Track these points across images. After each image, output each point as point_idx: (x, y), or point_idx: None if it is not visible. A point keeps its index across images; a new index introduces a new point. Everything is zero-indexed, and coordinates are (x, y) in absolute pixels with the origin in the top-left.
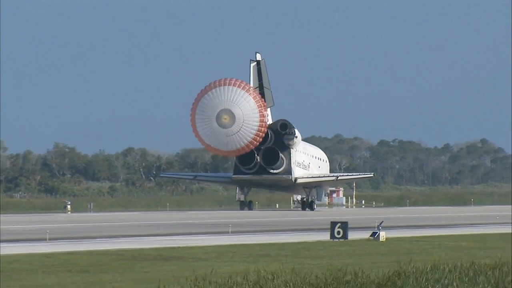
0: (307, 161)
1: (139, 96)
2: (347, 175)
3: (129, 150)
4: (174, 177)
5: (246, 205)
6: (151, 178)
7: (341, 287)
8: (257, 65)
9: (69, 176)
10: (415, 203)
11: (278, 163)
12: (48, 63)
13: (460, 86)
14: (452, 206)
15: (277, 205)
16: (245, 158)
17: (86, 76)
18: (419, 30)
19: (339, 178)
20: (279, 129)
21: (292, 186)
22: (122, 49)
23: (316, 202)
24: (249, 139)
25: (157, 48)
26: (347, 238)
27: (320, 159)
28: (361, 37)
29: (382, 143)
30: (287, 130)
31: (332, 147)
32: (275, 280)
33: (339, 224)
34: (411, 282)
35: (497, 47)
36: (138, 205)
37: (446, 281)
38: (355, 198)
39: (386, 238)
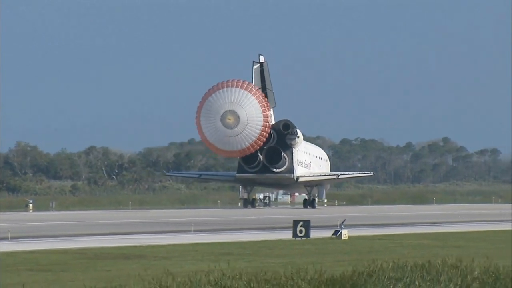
0: (308, 160)
1: (104, 95)
2: (348, 174)
3: (91, 149)
4: (181, 176)
5: (250, 203)
6: (113, 176)
7: (303, 286)
8: (260, 67)
9: (31, 174)
10: (377, 202)
11: (281, 162)
12: (9, 61)
13: (421, 85)
14: (414, 205)
15: (239, 203)
16: (248, 157)
17: (49, 75)
18: (385, 30)
19: (340, 177)
20: (281, 129)
21: (294, 184)
22: (112, 49)
23: (283, 200)
24: (253, 139)
25: (156, 49)
26: (309, 237)
27: (321, 158)
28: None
29: (344, 141)
30: (290, 130)
31: None
32: (237, 280)
33: (301, 223)
34: (373, 281)
35: (457, 47)
36: (100, 203)
37: (408, 280)
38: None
39: (348, 237)
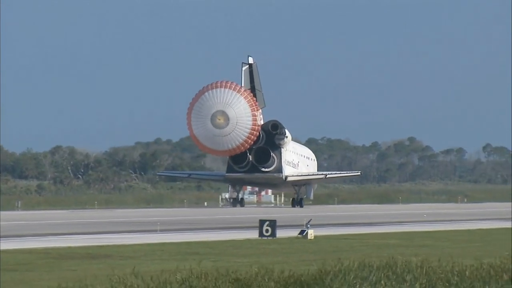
0: (296, 160)
1: (70, 95)
2: (335, 174)
3: (57, 148)
4: (170, 175)
5: (238, 202)
6: (79, 176)
7: (270, 285)
8: (249, 68)
9: None
10: (343, 201)
11: (270, 162)
12: None
13: (387, 84)
14: (380, 204)
15: (205, 203)
16: (238, 157)
17: (14, 73)
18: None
19: (327, 176)
20: (270, 129)
21: (283, 183)
22: (80, 47)
23: (249, 199)
24: (242, 139)
25: (144, 51)
26: (275, 236)
27: (308, 158)
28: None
29: (310, 141)
30: (278, 131)
31: None
32: (204, 279)
33: (267, 222)
34: (339, 280)
35: (422, 47)
36: (66, 203)
37: (374, 279)
38: (283, 196)
39: (314, 236)
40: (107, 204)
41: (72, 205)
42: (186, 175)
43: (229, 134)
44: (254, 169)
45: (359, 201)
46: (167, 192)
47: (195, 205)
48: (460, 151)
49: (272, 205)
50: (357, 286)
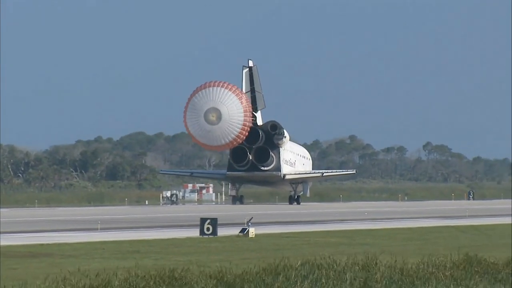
0: (293, 159)
1: (11, 92)
2: (331, 172)
3: None
4: (172, 174)
5: (238, 199)
6: (20, 174)
7: (210, 283)
8: (249, 71)
9: None
10: (284, 199)
11: (269, 160)
12: None
13: (328, 82)
14: (321, 202)
15: (146, 201)
16: (238, 156)
17: None
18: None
19: (324, 174)
20: (269, 129)
21: (281, 182)
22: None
23: (191, 197)
24: (234, 135)
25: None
26: (216, 235)
27: (304, 157)
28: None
29: None
30: (277, 131)
31: None
32: (144, 278)
33: (208, 221)
34: (280, 278)
35: (358, 46)
36: (7, 201)
37: (314, 277)
38: (224, 194)
39: (255, 234)
40: (48, 202)
41: (12, 203)
42: (189, 174)
43: (221, 130)
44: (254, 167)
45: (268, 199)
46: (108, 190)
47: (136, 203)
48: (401, 149)
49: (214, 203)
50: (298, 284)
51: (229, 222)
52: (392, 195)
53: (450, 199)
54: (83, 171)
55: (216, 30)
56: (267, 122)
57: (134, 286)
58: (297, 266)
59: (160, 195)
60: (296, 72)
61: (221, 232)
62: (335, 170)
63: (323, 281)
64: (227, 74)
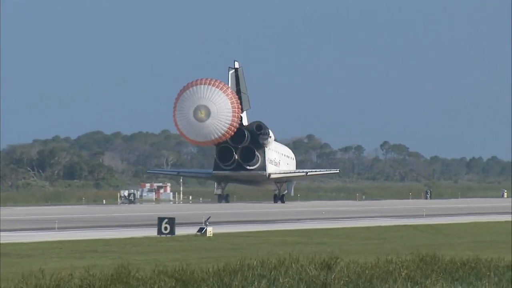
0: (278, 158)
1: None
2: (315, 171)
3: None
4: (160, 173)
5: (224, 198)
6: None
7: (167, 283)
8: (235, 72)
9: None
10: (242, 199)
11: (254, 160)
12: None
13: (286, 82)
14: (248, 203)
15: (104, 201)
16: (224, 156)
17: None
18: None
19: (308, 174)
20: (254, 129)
21: (266, 181)
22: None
23: (148, 197)
24: (222, 132)
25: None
26: (174, 234)
27: (289, 156)
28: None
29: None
30: (262, 131)
31: (160, 142)
32: (101, 278)
33: (166, 220)
34: (238, 277)
35: (315, 45)
36: None
37: (272, 277)
38: (182, 193)
39: (213, 234)
40: (5, 202)
41: None
42: (175, 173)
43: (210, 126)
44: (240, 167)
45: (257, 198)
46: (65, 190)
47: (93, 203)
48: (358, 148)
49: (171, 202)
50: (256, 283)
51: (187, 222)
52: (349, 194)
53: (407, 198)
54: (40, 171)
55: (201, 30)
56: (253, 123)
57: (91, 286)
58: (254, 265)
59: (117, 195)
60: (251, 71)
61: (179, 231)
62: (319, 170)
63: (281, 280)
64: (212, 75)
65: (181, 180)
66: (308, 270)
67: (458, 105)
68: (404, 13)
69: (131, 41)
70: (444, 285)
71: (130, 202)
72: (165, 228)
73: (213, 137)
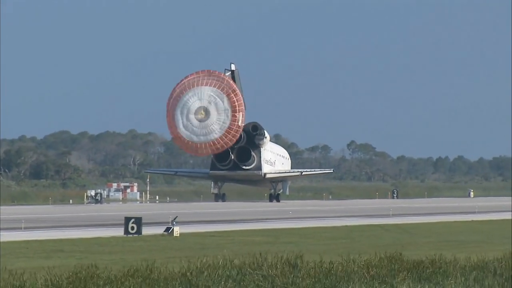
0: (273, 158)
1: None
2: (310, 171)
3: None
4: (158, 173)
5: (220, 197)
6: None
7: (134, 282)
8: (231, 74)
9: None
10: (209, 198)
11: (250, 160)
12: None
13: (252, 81)
14: (245, 201)
15: (70, 200)
16: (221, 156)
17: None
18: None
19: (303, 173)
20: (250, 130)
21: (262, 180)
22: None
23: (115, 196)
24: (222, 133)
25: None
26: (141, 234)
27: (284, 157)
28: None
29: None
30: (258, 131)
31: (126, 142)
32: (68, 278)
33: (133, 220)
34: (204, 277)
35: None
36: None
37: (239, 276)
38: (149, 193)
39: (180, 233)
40: None
41: None
42: (173, 173)
43: (209, 127)
44: (236, 167)
45: (251, 197)
46: (32, 189)
47: (60, 202)
48: (325, 148)
49: (138, 202)
50: (222, 283)
51: (154, 221)
52: (316, 194)
53: (374, 198)
54: (6, 170)
55: (196, 31)
56: (249, 123)
57: (57, 286)
58: (221, 264)
59: (84, 194)
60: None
61: (146, 231)
62: (313, 169)
63: (247, 280)
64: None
65: (147, 180)
66: (275, 270)
67: (425, 104)
68: (372, 11)
69: (104, 41)
70: (411, 284)
71: (97, 202)
72: (132, 228)
73: (209, 139)
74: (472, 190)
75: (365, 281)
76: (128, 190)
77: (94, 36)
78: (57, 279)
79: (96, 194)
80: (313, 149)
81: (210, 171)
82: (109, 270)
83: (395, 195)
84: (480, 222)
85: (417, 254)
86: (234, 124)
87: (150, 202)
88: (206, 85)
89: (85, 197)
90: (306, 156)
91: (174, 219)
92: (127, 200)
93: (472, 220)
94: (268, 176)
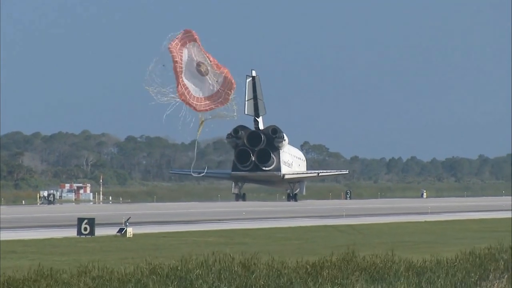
0: (290, 160)
1: None
2: (326, 172)
3: None
4: (182, 173)
5: (241, 196)
6: None
7: (89, 283)
8: (252, 80)
9: None
10: (162, 199)
11: (270, 161)
12: None
13: None
14: (199, 202)
15: (23, 201)
16: (242, 157)
17: None
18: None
19: (320, 174)
20: (270, 133)
21: (280, 181)
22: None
23: (68, 197)
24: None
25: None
26: (94, 235)
27: (300, 158)
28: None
29: (129, 139)
30: (277, 134)
31: (80, 143)
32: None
33: (86, 221)
34: (156, 278)
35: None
36: None
37: (193, 277)
38: (102, 194)
39: (133, 234)
40: None
41: None
42: (197, 173)
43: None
44: (256, 168)
45: (178, 199)
46: None
47: (12, 203)
48: None
49: (91, 203)
50: (176, 283)
51: (107, 222)
52: (270, 195)
53: (327, 198)
54: None
55: (223, 40)
56: (268, 127)
57: (10, 287)
58: (174, 266)
59: (37, 195)
60: None
61: (99, 232)
62: (329, 170)
63: (201, 281)
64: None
65: (101, 181)
66: (228, 271)
67: (377, 105)
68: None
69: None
70: (364, 285)
71: (50, 202)
72: (85, 229)
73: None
74: (425, 191)
75: (318, 281)
76: (81, 191)
77: (58, 36)
78: (11, 280)
79: (49, 195)
80: None
81: (232, 172)
82: (63, 271)
83: (348, 196)
84: (433, 222)
85: (370, 255)
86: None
87: (103, 203)
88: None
89: (38, 198)
90: None
91: (127, 219)
92: (80, 201)
93: (425, 221)
94: (286, 177)
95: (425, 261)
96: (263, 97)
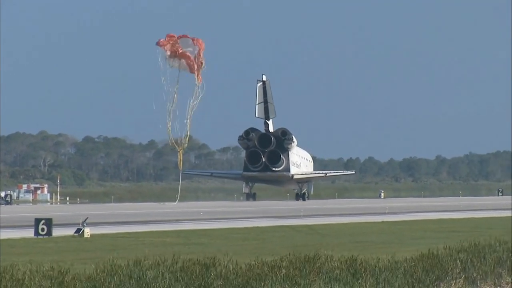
0: (299, 161)
1: None
2: (334, 172)
3: None
4: (195, 174)
5: (251, 196)
6: None
7: (44, 284)
8: (263, 85)
9: None
10: (120, 199)
11: (280, 162)
12: None
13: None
14: (157, 202)
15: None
16: (253, 158)
17: None
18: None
19: (327, 175)
20: (280, 135)
21: (289, 181)
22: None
23: (25, 197)
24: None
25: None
26: (51, 235)
27: (307, 159)
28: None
29: (87, 139)
30: (287, 136)
31: (37, 143)
32: None
33: (43, 221)
34: (114, 279)
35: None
36: None
37: (149, 278)
38: (59, 194)
39: (90, 235)
40: None
41: None
42: (209, 174)
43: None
44: (267, 168)
45: (135, 199)
46: None
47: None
48: (236, 149)
49: (49, 203)
50: (133, 283)
51: (65, 223)
52: (228, 195)
53: (285, 199)
54: None
55: (232, 47)
56: (278, 129)
57: None
58: (130, 266)
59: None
60: None
61: (56, 232)
62: (336, 171)
63: (159, 281)
64: (242, 87)
65: (58, 181)
66: (185, 271)
67: (336, 105)
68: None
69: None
70: (322, 285)
71: (7, 203)
72: (42, 229)
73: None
74: (383, 191)
75: (276, 281)
76: (39, 191)
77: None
78: None
79: (6, 195)
80: (224, 150)
81: (243, 172)
82: (19, 271)
83: (306, 196)
84: (391, 223)
85: (328, 255)
86: None
87: (60, 203)
88: None
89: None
90: (218, 157)
91: (85, 220)
92: (37, 201)
93: (383, 221)
94: (295, 177)
95: (383, 261)
96: (273, 101)
